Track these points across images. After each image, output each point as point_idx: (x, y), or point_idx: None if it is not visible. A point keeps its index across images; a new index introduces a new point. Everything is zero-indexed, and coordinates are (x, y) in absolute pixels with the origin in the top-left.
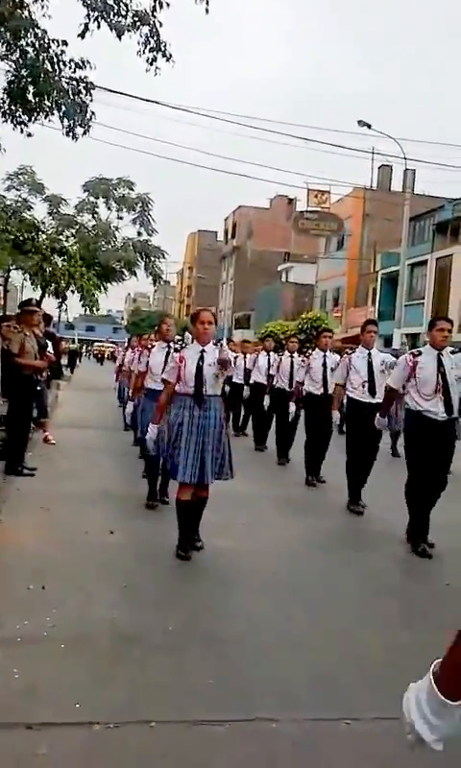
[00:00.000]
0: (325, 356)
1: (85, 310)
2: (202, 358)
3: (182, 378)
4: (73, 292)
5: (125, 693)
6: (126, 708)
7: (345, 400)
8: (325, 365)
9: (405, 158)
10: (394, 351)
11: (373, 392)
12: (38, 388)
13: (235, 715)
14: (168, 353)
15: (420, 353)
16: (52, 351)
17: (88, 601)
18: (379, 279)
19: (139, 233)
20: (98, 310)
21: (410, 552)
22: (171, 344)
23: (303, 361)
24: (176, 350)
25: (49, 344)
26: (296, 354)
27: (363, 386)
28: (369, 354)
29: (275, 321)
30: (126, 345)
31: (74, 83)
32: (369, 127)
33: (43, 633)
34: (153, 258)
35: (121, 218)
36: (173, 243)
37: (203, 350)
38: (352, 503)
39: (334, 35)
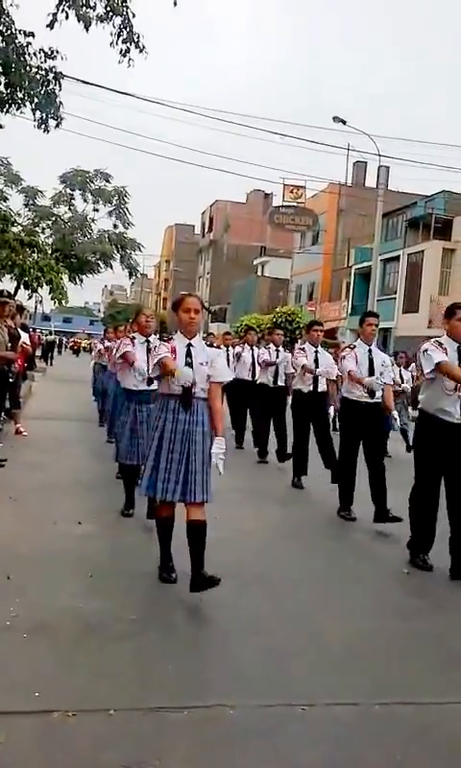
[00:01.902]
0: (316, 352)
1: (56, 302)
2: (189, 354)
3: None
4: (41, 286)
5: (85, 681)
6: (85, 697)
7: (338, 397)
8: (316, 361)
9: (379, 155)
10: (352, 345)
11: (372, 392)
12: (11, 380)
13: (193, 702)
14: (149, 350)
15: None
16: (28, 343)
17: (53, 590)
18: (353, 274)
19: (115, 226)
20: (67, 303)
21: (372, 538)
22: (151, 338)
23: (298, 352)
24: (161, 340)
25: (25, 335)
26: (282, 348)
27: (363, 385)
28: (370, 351)
29: (250, 314)
30: (102, 337)
31: (43, 72)
32: (344, 123)
33: (6, 622)
34: (129, 251)
35: (97, 210)
36: (150, 236)
37: (190, 344)
38: (343, 509)
39: (314, 30)
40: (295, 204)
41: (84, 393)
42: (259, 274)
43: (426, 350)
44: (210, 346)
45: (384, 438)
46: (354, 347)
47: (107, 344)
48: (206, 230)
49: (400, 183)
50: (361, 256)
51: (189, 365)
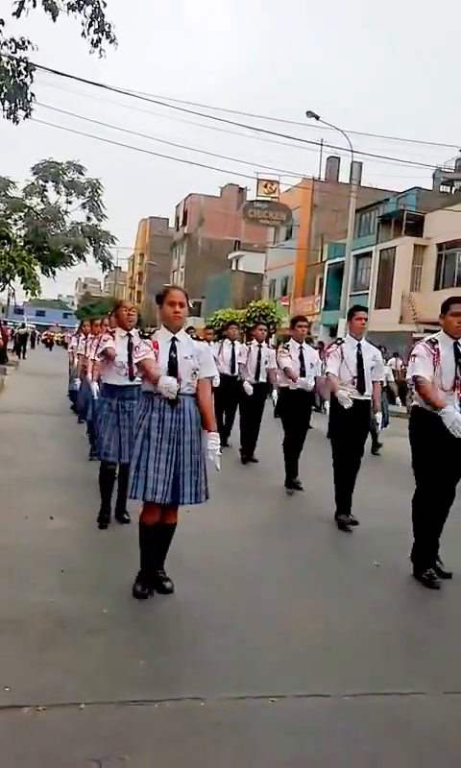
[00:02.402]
0: (301, 348)
1: (27, 293)
2: (174, 348)
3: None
4: (13, 278)
5: (56, 676)
6: (56, 691)
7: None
8: (302, 358)
9: (352, 151)
10: (339, 340)
11: (362, 388)
12: None
13: (164, 695)
14: (130, 345)
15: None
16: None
17: (24, 586)
18: (326, 270)
19: (89, 218)
20: (39, 293)
21: (345, 533)
22: (132, 332)
23: (282, 352)
24: (143, 336)
25: None
26: (264, 344)
27: (352, 382)
28: (359, 346)
29: (224, 309)
30: (76, 330)
31: (14, 62)
32: (317, 118)
33: None
34: (102, 243)
35: (70, 202)
36: (124, 229)
37: (174, 338)
38: (342, 512)
39: (291, 28)
40: (269, 198)
41: (58, 386)
42: (234, 268)
43: (415, 356)
44: (196, 339)
45: (364, 437)
46: (342, 342)
47: (80, 347)
48: (181, 224)
49: (374, 179)
50: (334, 252)
51: (174, 360)
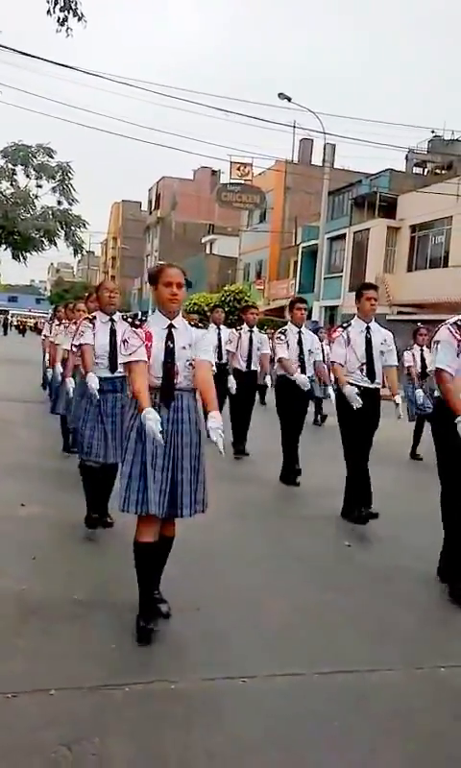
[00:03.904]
0: (300, 333)
1: None
2: (170, 336)
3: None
4: None
5: (26, 663)
6: (26, 678)
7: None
8: (300, 343)
9: (324, 133)
10: (314, 324)
11: (371, 375)
12: None
13: (134, 679)
14: (112, 332)
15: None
16: None
17: None
18: (300, 253)
19: (60, 202)
20: (1, 281)
21: (317, 515)
22: (115, 317)
23: (278, 338)
24: (133, 324)
25: None
26: (256, 329)
27: (361, 369)
28: (368, 329)
29: (199, 293)
30: (50, 316)
31: None
32: (289, 100)
33: None
34: (73, 228)
35: (40, 186)
36: (96, 213)
37: (171, 325)
38: (362, 505)
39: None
40: (242, 181)
41: (31, 373)
42: (208, 252)
43: (438, 343)
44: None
45: (374, 430)
46: (349, 325)
47: (53, 335)
48: (154, 207)
49: (346, 161)
50: (308, 234)
51: (171, 350)
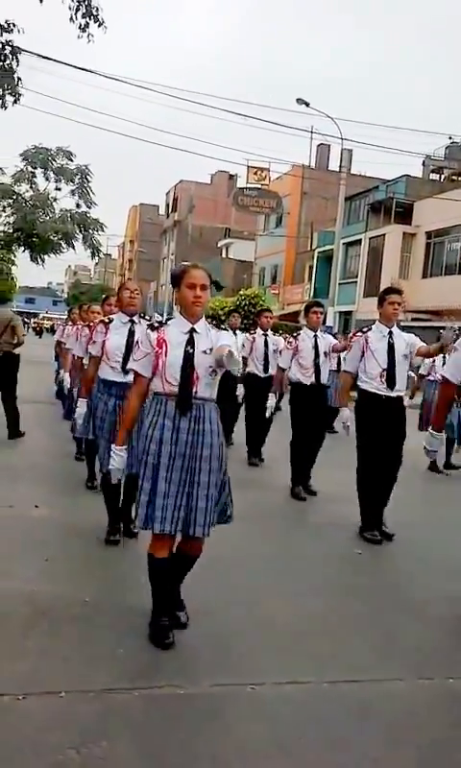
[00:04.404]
0: (316, 337)
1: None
2: (191, 341)
3: (161, 370)
4: None
5: (36, 665)
6: (36, 680)
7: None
8: (316, 347)
9: (342, 138)
10: (329, 330)
11: (392, 383)
12: None
13: (143, 683)
14: (131, 333)
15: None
16: None
17: (7, 574)
18: (316, 258)
19: (78, 205)
20: (15, 293)
21: (327, 521)
22: (136, 318)
23: (290, 342)
24: (151, 327)
25: None
26: (271, 333)
27: (381, 376)
28: (390, 334)
29: (214, 296)
30: (66, 317)
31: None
32: (307, 105)
33: None
34: (91, 231)
35: (59, 189)
36: (114, 216)
37: (193, 329)
38: (366, 529)
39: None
40: (259, 185)
41: (45, 374)
42: (224, 255)
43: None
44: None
45: (402, 440)
46: (368, 329)
47: (64, 337)
48: (171, 211)
49: (363, 167)
50: (324, 240)
51: (190, 356)
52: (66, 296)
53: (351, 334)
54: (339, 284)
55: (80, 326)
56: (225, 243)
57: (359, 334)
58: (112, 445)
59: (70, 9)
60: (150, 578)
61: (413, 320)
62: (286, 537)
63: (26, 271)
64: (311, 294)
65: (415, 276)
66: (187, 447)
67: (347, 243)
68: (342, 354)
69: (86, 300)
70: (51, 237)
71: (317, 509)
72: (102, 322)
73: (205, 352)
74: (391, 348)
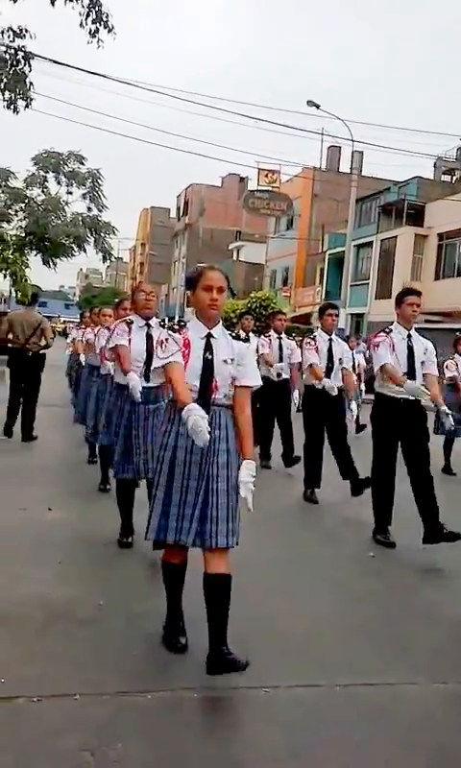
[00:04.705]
0: (330, 340)
1: (18, 295)
2: (209, 347)
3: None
4: (5, 276)
5: (50, 667)
6: (50, 682)
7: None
8: (330, 350)
9: (353, 140)
10: (341, 333)
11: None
12: None
13: (157, 686)
14: (149, 337)
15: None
16: None
17: (21, 577)
18: (327, 260)
19: (89, 209)
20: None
21: (339, 524)
22: (152, 321)
23: (308, 344)
24: (172, 329)
25: None
26: (284, 336)
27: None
28: (409, 337)
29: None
30: (78, 321)
31: (12, 51)
32: (318, 107)
33: None
34: (103, 234)
35: (71, 193)
36: (125, 219)
37: (210, 335)
38: (380, 532)
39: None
40: (270, 188)
41: (58, 377)
42: (235, 258)
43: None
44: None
45: (427, 441)
46: (389, 331)
47: (88, 335)
48: (182, 214)
49: (374, 169)
50: (335, 242)
51: (210, 363)
52: (78, 299)
53: (374, 335)
54: (351, 286)
55: (92, 329)
56: (236, 246)
57: (382, 334)
58: (186, 408)
59: (80, 14)
60: (164, 581)
61: (426, 321)
62: (298, 539)
63: (38, 274)
64: (323, 296)
65: (427, 278)
66: (203, 455)
67: (358, 245)
68: (358, 358)
69: (98, 304)
70: (63, 241)
71: (328, 511)
72: (124, 321)
73: (225, 361)
74: (410, 351)
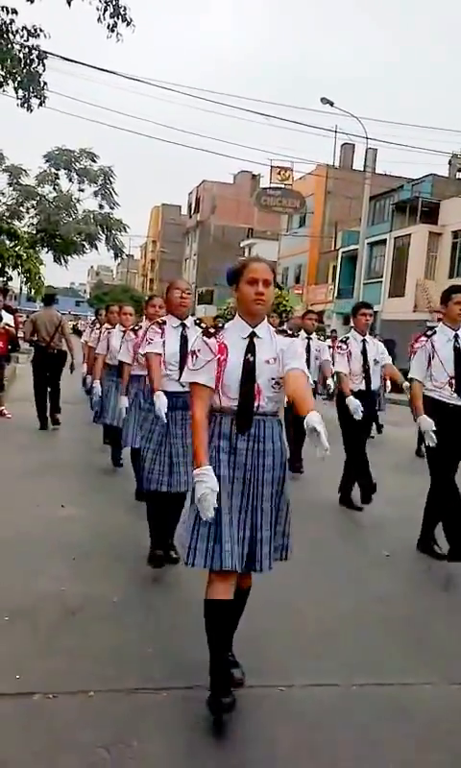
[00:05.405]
0: (364, 341)
1: (31, 291)
2: (252, 348)
3: (217, 383)
4: (19, 273)
5: (66, 663)
6: (66, 678)
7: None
8: (364, 352)
9: (367, 138)
10: (431, 331)
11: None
12: None
13: (172, 683)
14: (184, 339)
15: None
16: (11, 325)
17: (36, 573)
18: (340, 257)
19: (101, 206)
20: (42, 293)
21: (356, 523)
22: (188, 321)
23: (339, 348)
24: (207, 333)
25: (8, 317)
26: (314, 337)
27: (450, 384)
28: (456, 337)
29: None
30: (92, 319)
31: (26, 50)
32: (331, 104)
33: None
34: (114, 232)
35: (82, 190)
36: (136, 216)
37: (253, 334)
38: (425, 543)
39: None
40: (282, 185)
41: (68, 374)
42: (247, 256)
43: None
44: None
45: None
46: (433, 333)
47: (92, 339)
48: (193, 211)
49: (388, 166)
50: (348, 239)
51: (251, 365)
52: (89, 296)
53: (417, 338)
54: (364, 284)
55: (108, 328)
56: (248, 243)
57: (424, 339)
58: (195, 470)
59: (98, 9)
60: (207, 627)
61: (439, 320)
62: (316, 538)
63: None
64: (335, 294)
65: (441, 277)
66: (247, 471)
67: (371, 243)
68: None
69: (109, 301)
70: (74, 238)
71: (344, 511)
72: (156, 323)
73: (268, 362)
74: (458, 352)
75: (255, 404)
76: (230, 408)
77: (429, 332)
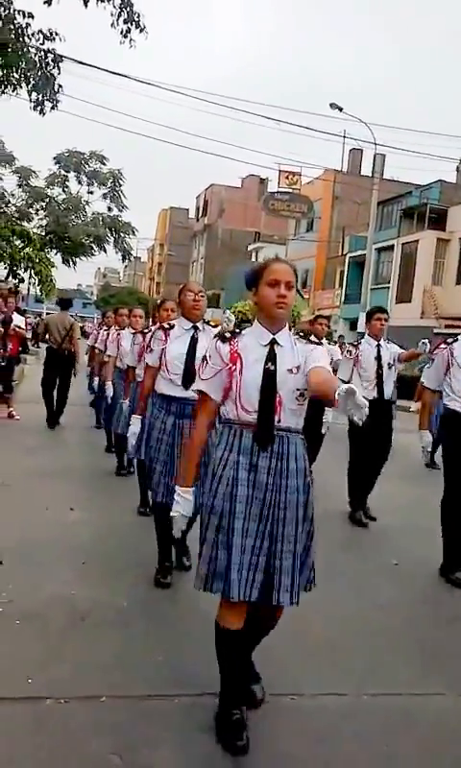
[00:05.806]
0: (378, 347)
1: (42, 293)
2: (272, 356)
3: (235, 393)
4: (30, 276)
5: (77, 668)
6: (77, 684)
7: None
8: (379, 358)
9: (375, 143)
10: (359, 336)
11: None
12: (3, 363)
13: (182, 690)
14: (194, 341)
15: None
16: (21, 326)
17: (46, 577)
18: (347, 263)
19: (110, 209)
20: (54, 295)
21: (363, 531)
22: (200, 324)
23: (349, 353)
24: (222, 338)
25: (19, 318)
26: (326, 342)
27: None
28: None
29: (244, 301)
30: (99, 321)
31: (42, 53)
32: (340, 110)
33: None
34: (122, 234)
35: (92, 192)
36: (144, 219)
37: (274, 341)
38: (452, 570)
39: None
40: (290, 190)
41: (78, 377)
42: (254, 260)
43: None
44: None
45: None
46: (454, 341)
47: (98, 342)
48: (201, 214)
49: (396, 172)
50: (356, 245)
51: (272, 375)
52: (96, 298)
53: (438, 343)
54: (371, 290)
55: (116, 330)
56: (255, 247)
57: (443, 346)
58: (176, 486)
59: (112, 15)
60: (219, 655)
61: (447, 326)
62: (323, 547)
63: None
64: (342, 299)
65: (449, 283)
66: (267, 492)
67: (379, 248)
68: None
69: (116, 303)
70: (83, 240)
71: (347, 514)
72: (161, 327)
73: (290, 371)
74: None
75: (276, 418)
76: (248, 422)
77: (450, 339)
